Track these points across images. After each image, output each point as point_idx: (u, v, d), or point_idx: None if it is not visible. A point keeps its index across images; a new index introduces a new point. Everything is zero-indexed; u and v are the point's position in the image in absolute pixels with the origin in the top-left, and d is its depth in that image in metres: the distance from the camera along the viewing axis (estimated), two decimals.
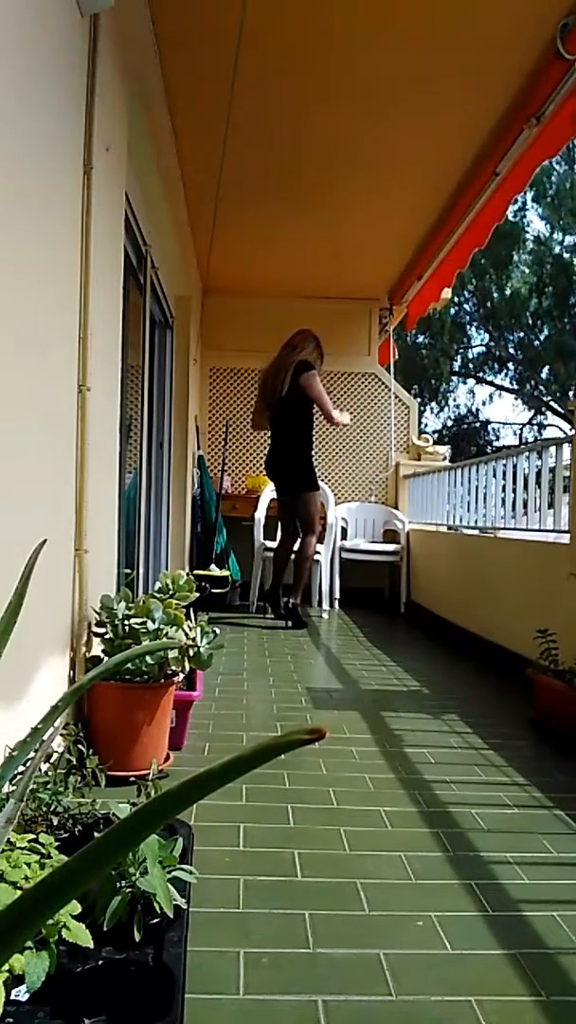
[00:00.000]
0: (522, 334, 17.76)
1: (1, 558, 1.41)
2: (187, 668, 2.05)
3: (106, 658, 2.01)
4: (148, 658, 1.92)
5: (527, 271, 16.65)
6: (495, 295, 17.20)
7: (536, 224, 16.59)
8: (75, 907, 0.99)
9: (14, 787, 0.95)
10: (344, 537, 6.00)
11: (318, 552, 5.52)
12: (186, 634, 2.05)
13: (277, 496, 5.11)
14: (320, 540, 5.74)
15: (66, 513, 2.00)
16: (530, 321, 17.29)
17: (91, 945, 0.96)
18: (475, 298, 17.79)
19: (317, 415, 4.91)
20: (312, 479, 4.90)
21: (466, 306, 17.99)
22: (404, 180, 4.27)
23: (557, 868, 1.58)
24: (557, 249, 16.22)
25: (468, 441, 19.17)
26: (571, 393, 16.84)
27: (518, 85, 3.27)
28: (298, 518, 4.91)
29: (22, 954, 0.89)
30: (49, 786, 1.39)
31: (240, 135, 3.77)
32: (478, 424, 19.65)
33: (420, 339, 17.40)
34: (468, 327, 18.39)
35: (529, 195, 15.67)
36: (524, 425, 19.68)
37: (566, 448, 3.46)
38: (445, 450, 6.63)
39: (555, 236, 16.31)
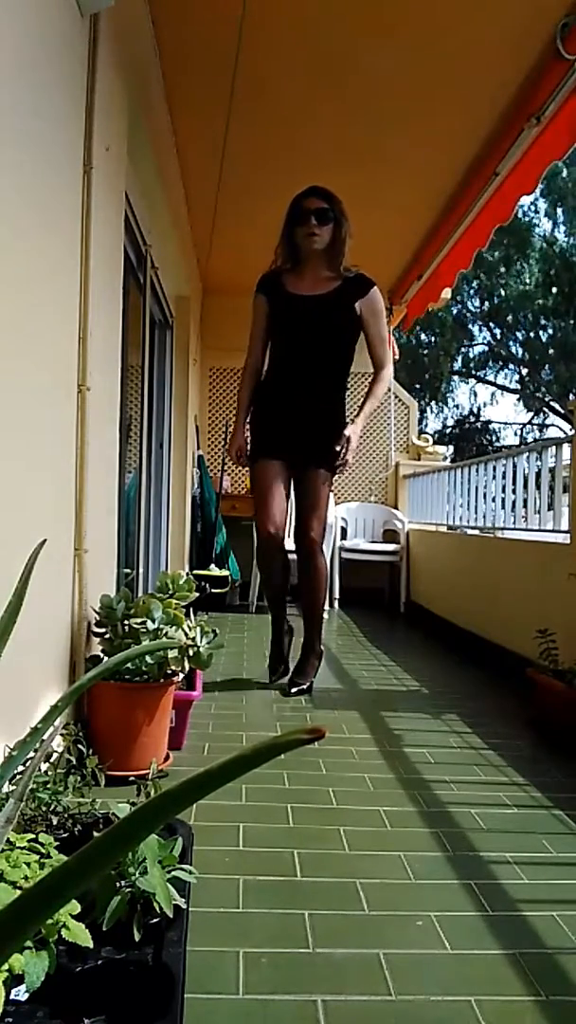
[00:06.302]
0: (525, 333, 17.73)
1: (1, 558, 1.41)
2: (187, 668, 2.05)
3: (106, 658, 2.01)
4: (148, 658, 1.92)
5: (533, 268, 16.57)
6: (500, 293, 17.16)
7: (542, 222, 16.50)
8: (75, 907, 0.99)
9: (14, 787, 0.95)
10: (344, 537, 6.00)
11: None
12: (186, 634, 2.05)
13: (264, 463, 3.02)
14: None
15: (66, 513, 2.00)
16: (532, 320, 17.26)
17: (91, 945, 0.96)
18: (478, 296, 17.75)
19: None
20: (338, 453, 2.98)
21: (469, 304, 17.96)
22: (404, 180, 4.28)
23: (557, 868, 1.58)
24: (564, 248, 16.16)
25: (469, 441, 19.15)
26: (571, 395, 16.85)
27: (518, 85, 3.27)
28: (308, 508, 2.98)
29: (22, 954, 0.89)
30: (49, 786, 1.39)
31: (240, 134, 3.76)
32: (479, 424, 19.64)
33: (422, 337, 17.38)
34: (471, 325, 18.35)
35: (535, 192, 15.56)
36: (524, 425, 19.69)
37: (566, 448, 3.46)
38: (445, 450, 6.63)
39: (558, 234, 16.28)
